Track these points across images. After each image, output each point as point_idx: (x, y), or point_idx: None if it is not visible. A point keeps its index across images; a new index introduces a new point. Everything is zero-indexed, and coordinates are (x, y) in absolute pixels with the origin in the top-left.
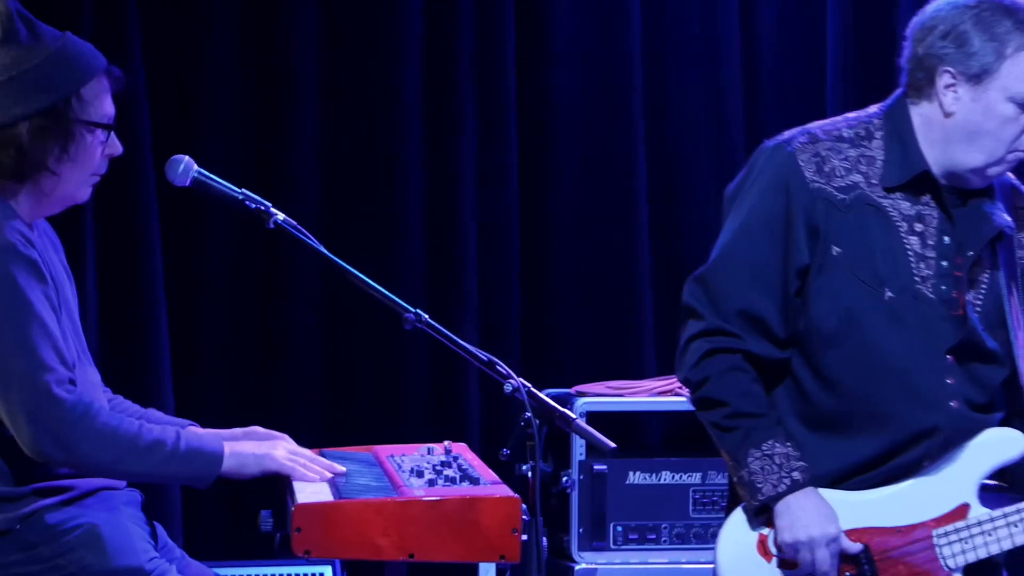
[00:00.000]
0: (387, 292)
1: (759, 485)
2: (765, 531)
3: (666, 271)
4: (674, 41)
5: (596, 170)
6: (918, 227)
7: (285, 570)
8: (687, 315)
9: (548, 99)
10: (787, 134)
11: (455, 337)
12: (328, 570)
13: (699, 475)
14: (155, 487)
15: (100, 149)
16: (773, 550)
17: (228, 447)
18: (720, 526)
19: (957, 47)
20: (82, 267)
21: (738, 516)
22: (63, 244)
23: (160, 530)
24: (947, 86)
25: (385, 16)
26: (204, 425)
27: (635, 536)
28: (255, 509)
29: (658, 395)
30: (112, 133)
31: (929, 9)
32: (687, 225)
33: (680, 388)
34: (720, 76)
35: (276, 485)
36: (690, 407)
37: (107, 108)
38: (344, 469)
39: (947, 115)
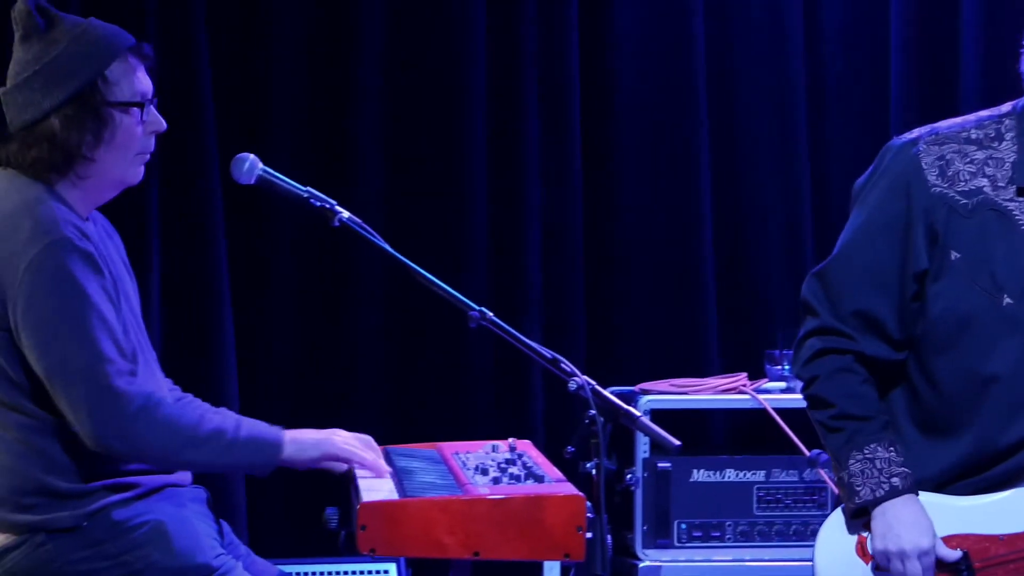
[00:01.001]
0: (452, 290)
1: (858, 488)
2: (865, 533)
3: (730, 269)
4: (738, 36)
5: (660, 167)
6: None
7: (350, 568)
8: (804, 311)
9: (611, 96)
10: (915, 133)
11: (519, 335)
12: (392, 568)
13: (763, 473)
14: (220, 484)
15: (139, 128)
16: (872, 552)
17: (287, 434)
18: (783, 528)
19: None
20: (147, 266)
21: (837, 516)
22: (127, 244)
23: (226, 527)
24: None
25: (449, 14)
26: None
27: (699, 534)
28: (320, 507)
29: (722, 393)
30: (151, 109)
31: None
32: (751, 222)
33: (744, 386)
34: (783, 71)
35: (341, 483)
36: (754, 405)
37: (139, 86)
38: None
39: None
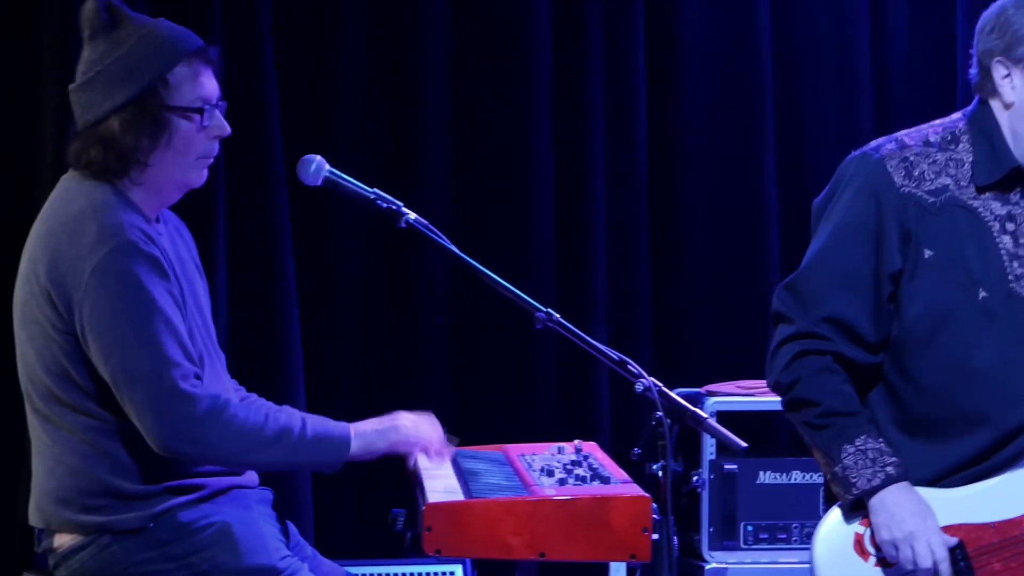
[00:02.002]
0: (518, 291)
1: (853, 479)
2: (861, 529)
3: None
4: (803, 34)
5: (726, 169)
6: (1010, 226)
7: (415, 569)
8: (777, 320)
9: (677, 97)
10: (873, 143)
11: (586, 336)
12: (459, 569)
13: None
14: (287, 485)
15: (200, 133)
16: (870, 549)
17: (353, 429)
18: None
19: (1002, 36)
20: (214, 267)
21: (833, 515)
22: (196, 244)
23: (292, 528)
24: (1003, 77)
25: (514, 15)
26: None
27: (765, 536)
28: (386, 508)
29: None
30: (216, 113)
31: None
32: None
33: None
34: (849, 68)
35: (407, 484)
36: None
37: (201, 90)
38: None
39: (1007, 106)
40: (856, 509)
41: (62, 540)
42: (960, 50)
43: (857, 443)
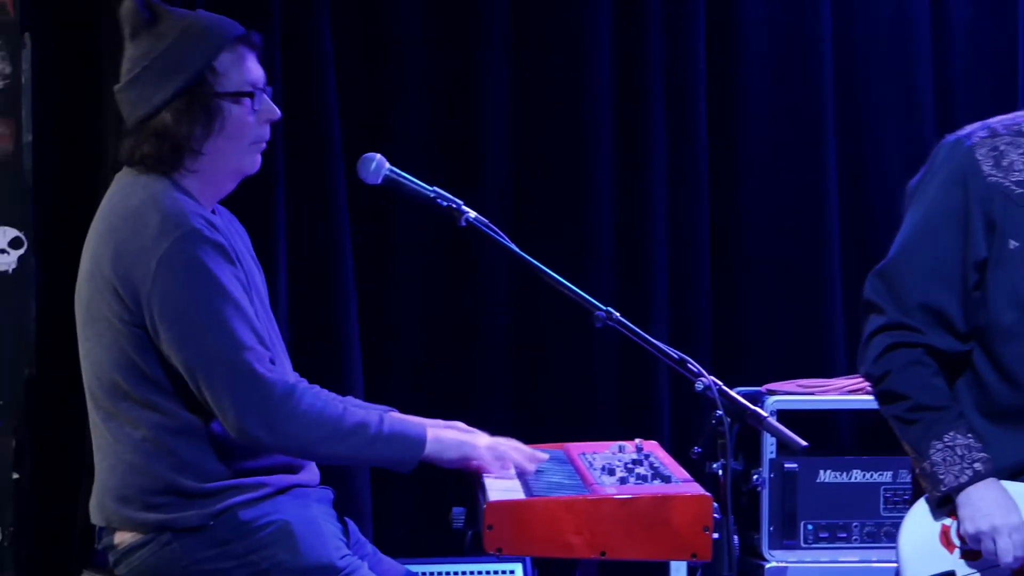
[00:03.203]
0: (578, 290)
1: (941, 476)
2: (948, 522)
3: (857, 268)
4: (864, 34)
5: (786, 167)
6: None
7: (476, 567)
8: (868, 310)
9: (738, 95)
10: (967, 129)
11: (646, 335)
12: (519, 568)
13: (890, 474)
14: (347, 483)
15: (251, 117)
16: (956, 541)
17: (431, 432)
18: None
19: None
20: (274, 262)
21: (920, 507)
22: (255, 241)
23: (352, 527)
24: None
25: (575, 16)
26: None
27: (826, 534)
28: (446, 506)
29: (849, 393)
30: (264, 97)
31: None
32: (878, 222)
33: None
34: (910, 68)
35: (468, 482)
36: None
37: (248, 75)
38: (547, 456)
39: None
40: (943, 503)
41: (123, 538)
42: (1022, 48)
43: (945, 439)
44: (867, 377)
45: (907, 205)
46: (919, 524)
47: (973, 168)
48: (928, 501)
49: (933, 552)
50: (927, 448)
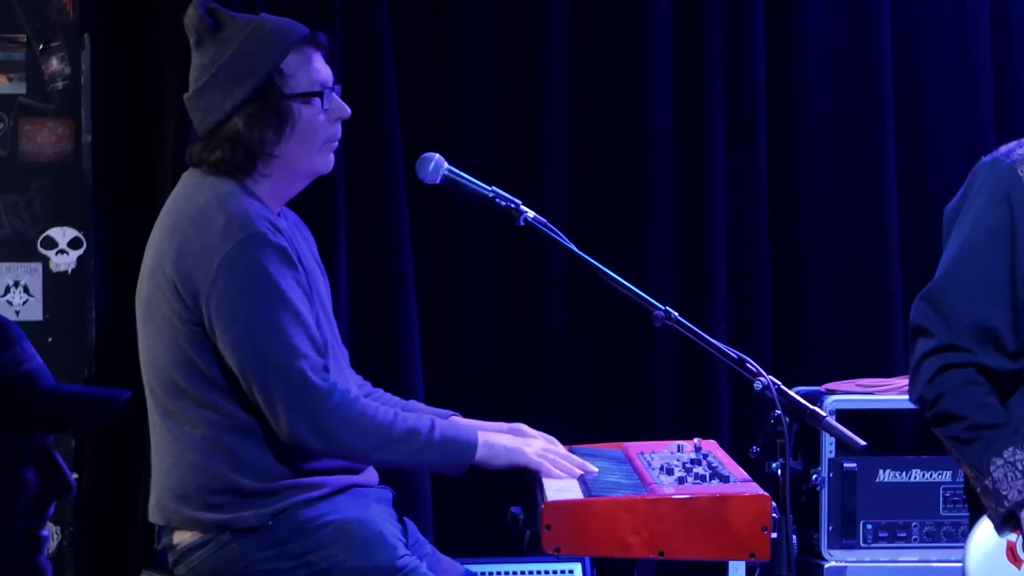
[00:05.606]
0: (637, 290)
1: (1004, 492)
2: (1013, 537)
3: (917, 268)
4: (924, 38)
5: (846, 167)
6: None
7: (534, 567)
8: (917, 334)
9: (797, 97)
10: (1002, 149)
11: (705, 335)
12: (577, 568)
13: (949, 473)
14: (406, 483)
15: (321, 117)
16: (1023, 556)
17: (482, 436)
18: (968, 528)
19: None
20: (335, 264)
21: (985, 524)
22: (316, 243)
23: (411, 526)
24: None
25: (635, 16)
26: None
27: (885, 534)
28: (505, 506)
29: (908, 393)
30: (333, 96)
31: None
32: (937, 223)
33: None
34: (970, 71)
35: (526, 483)
36: None
37: (316, 75)
38: (596, 469)
39: None
40: (1008, 519)
41: (182, 537)
42: None
43: (1005, 455)
44: (920, 401)
45: (947, 229)
46: (985, 541)
47: (1017, 185)
48: (991, 518)
49: (1000, 567)
50: (987, 466)
